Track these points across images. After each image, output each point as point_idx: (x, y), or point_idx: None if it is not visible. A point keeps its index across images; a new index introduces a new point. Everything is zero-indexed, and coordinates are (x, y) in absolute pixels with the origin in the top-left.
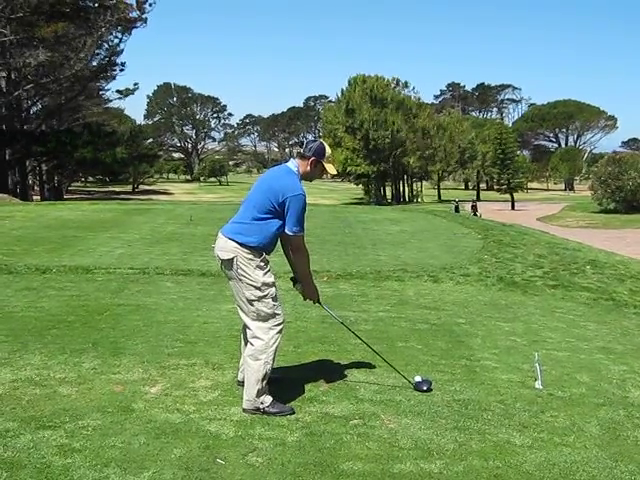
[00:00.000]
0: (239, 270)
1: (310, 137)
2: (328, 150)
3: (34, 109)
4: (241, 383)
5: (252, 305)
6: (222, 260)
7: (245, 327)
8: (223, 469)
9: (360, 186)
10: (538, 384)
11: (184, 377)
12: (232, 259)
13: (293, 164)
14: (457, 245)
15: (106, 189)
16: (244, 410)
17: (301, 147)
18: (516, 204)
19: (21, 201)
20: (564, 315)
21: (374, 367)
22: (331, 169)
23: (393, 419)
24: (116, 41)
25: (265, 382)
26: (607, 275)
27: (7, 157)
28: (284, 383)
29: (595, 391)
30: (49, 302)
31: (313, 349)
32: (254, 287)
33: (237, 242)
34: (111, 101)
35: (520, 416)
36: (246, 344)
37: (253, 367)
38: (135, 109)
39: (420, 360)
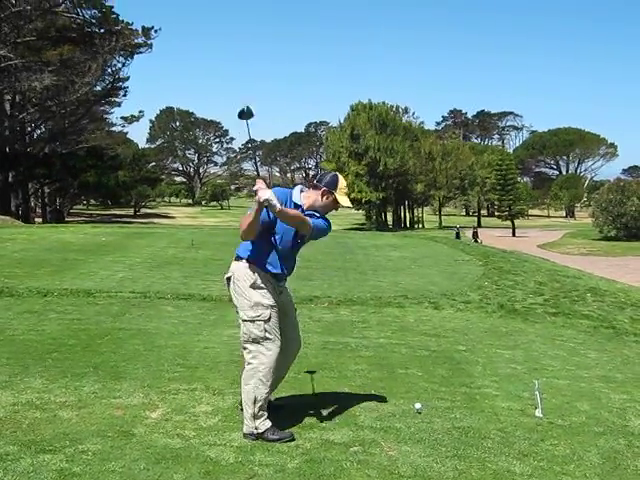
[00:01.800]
0: (235, 286)
1: (312, 162)
2: (342, 182)
3: (38, 132)
4: (241, 408)
5: (244, 325)
6: (227, 279)
7: None
8: None
9: (361, 211)
10: (538, 412)
11: (185, 402)
12: (231, 276)
13: (297, 192)
14: (458, 272)
15: (108, 212)
16: (244, 435)
17: (315, 178)
18: (517, 231)
19: (23, 223)
20: (564, 343)
21: (374, 394)
22: (344, 201)
23: (393, 446)
24: (119, 66)
25: (258, 406)
26: (607, 303)
27: (10, 179)
28: (284, 409)
29: (595, 420)
30: (50, 325)
31: (313, 375)
32: (247, 306)
33: (236, 257)
34: (115, 125)
35: (520, 444)
36: None
37: (244, 390)
38: (138, 133)
39: (420, 387)
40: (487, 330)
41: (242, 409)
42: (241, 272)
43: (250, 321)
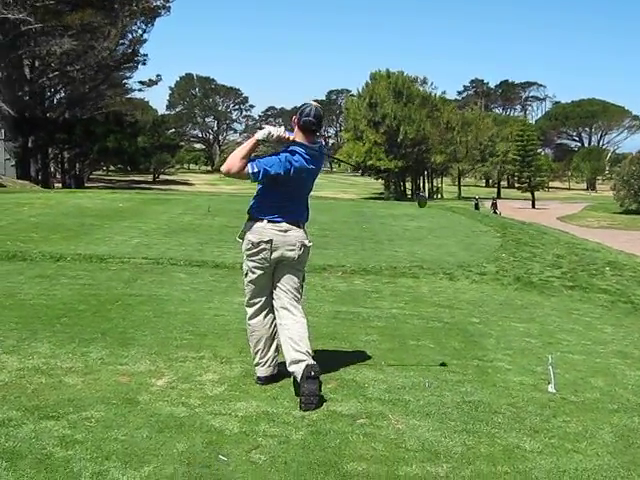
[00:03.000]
0: (305, 252)
1: (332, 130)
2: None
3: (57, 97)
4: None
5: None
6: (303, 245)
7: None
8: (225, 466)
9: (380, 181)
10: (551, 387)
11: (191, 370)
12: (303, 242)
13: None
14: (475, 243)
15: (127, 178)
16: None
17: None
18: (537, 203)
19: (42, 188)
20: (581, 317)
21: (385, 365)
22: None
23: (401, 419)
24: (140, 32)
25: (253, 350)
26: (626, 277)
27: (30, 144)
28: (292, 379)
29: (610, 396)
30: (61, 290)
31: (323, 345)
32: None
33: (300, 223)
34: (134, 91)
35: (531, 420)
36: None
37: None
38: (158, 99)
39: (431, 359)
40: (502, 303)
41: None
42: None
43: (244, 274)
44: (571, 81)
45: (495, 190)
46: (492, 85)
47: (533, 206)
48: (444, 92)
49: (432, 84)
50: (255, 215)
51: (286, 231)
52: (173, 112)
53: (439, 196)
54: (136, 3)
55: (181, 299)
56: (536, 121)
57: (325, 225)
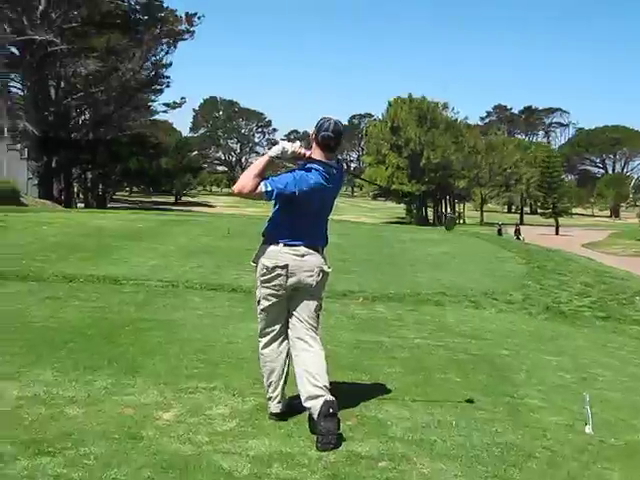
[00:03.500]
0: (324, 278)
1: (354, 155)
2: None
3: (82, 118)
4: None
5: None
6: (321, 272)
7: None
8: None
9: (402, 205)
10: (588, 429)
11: (201, 402)
12: (322, 268)
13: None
14: (500, 270)
15: (149, 199)
16: None
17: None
18: (560, 229)
19: (64, 208)
20: (616, 351)
21: (409, 401)
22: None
23: (426, 463)
24: (163, 54)
25: (266, 383)
26: None
27: (53, 164)
28: (308, 415)
29: None
30: (71, 313)
31: (343, 377)
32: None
33: (319, 247)
34: (158, 113)
35: (569, 466)
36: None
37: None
38: (181, 122)
39: (458, 395)
40: (531, 333)
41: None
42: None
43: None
44: (595, 107)
45: (518, 216)
46: (515, 111)
47: (557, 232)
48: (466, 117)
49: (454, 109)
50: (270, 238)
51: (303, 255)
52: (197, 134)
53: (461, 221)
54: (160, 26)
55: (195, 324)
56: (559, 147)
57: (345, 249)
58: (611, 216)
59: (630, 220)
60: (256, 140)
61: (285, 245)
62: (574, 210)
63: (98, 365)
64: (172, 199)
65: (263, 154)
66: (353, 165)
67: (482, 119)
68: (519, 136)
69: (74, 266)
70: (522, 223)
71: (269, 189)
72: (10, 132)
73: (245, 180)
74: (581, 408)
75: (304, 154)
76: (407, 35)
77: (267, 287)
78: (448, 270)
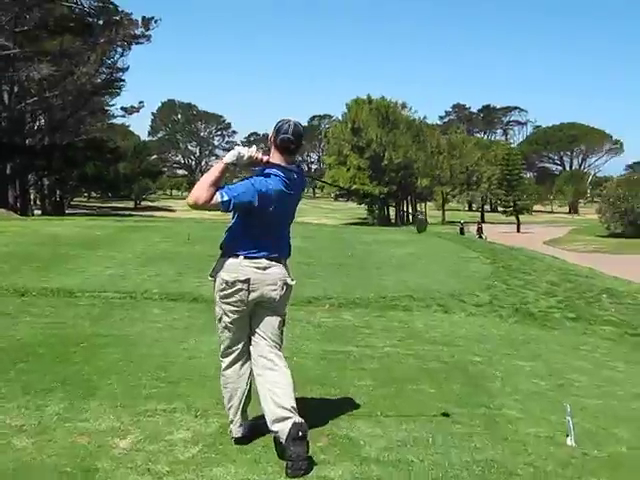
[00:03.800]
0: (288, 291)
1: (314, 156)
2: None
3: (37, 123)
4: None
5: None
6: (285, 284)
7: None
8: None
9: (363, 206)
10: (570, 440)
11: (161, 426)
12: (286, 280)
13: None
14: (465, 270)
15: (108, 205)
16: None
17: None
18: (521, 227)
19: (19, 216)
20: (589, 353)
21: (381, 416)
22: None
23: None
24: (118, 57)
25: (227, 406)
26: (626, 305)
27: (8, 171)
28: (275, 439)
29: (638, 450)
30: (21, 330)
31: (311, 392)
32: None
33: (281, 259)
34: (115, 117)
35: None
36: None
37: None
38: (139, 125)
39: (433, 407)
40: (503, 338)
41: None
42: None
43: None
44: (552, 105)
45: (478, 214)
46: (474, 110)
47: (518, 230)
48: (424, 117)
49: (411, 108)
50: (229, 250)
51: (265, 268)
52: (155, 138)
53: None
54: (116, 30)
55: (154, 339)
56: (518, 145)
57: (309, 252)
58: (570, 212)
59: (589, 216)
60: (215, 143)
61: (245, 257)
62: (534, 207)
63: (50, 388)
64: (132, 204)
65: (222, 157)
66: (314, 166)
67: (441, 118)
68: (478, 135)
69: (27, 277)
70: (483, 221)
71: (225, 199)
72: None
73: (199, 191)
74: (560, 418)
75: (261, 159)
76: (365, 35)
77: (227, 303)
78: (413, 271)
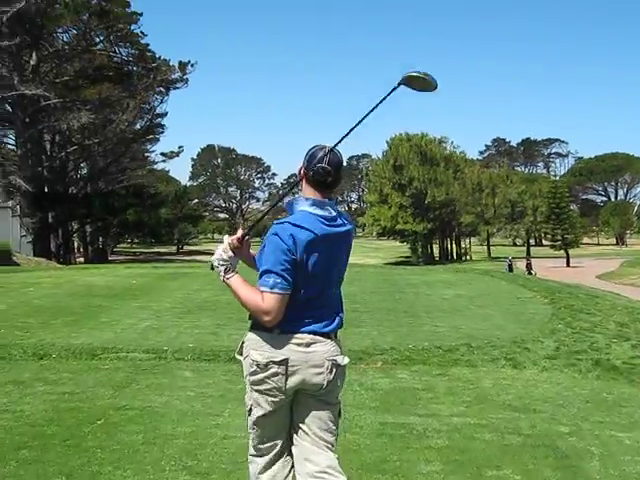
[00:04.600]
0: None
1: (354, 195)
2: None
3: (79, 172)
4: None
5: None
6: (335, 365)
7: None
8: None
9: (406, 244)
10: None
11: None
12: (340, 362)
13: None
14: (524, 312)
15: (151, 250)
16: None
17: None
18: (570, 260)
19: (58, 265)
20: None
21: None
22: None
23: None
24: (157, 103)
25: None
26: None
27: (50, 220)
28: None
29: None
30: (32, 403)
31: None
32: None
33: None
34: (156, 163)
35: None
36: None
37: None
38: (180, 171)
39: None
40: (589, 399)
41: None
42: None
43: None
44: (592, 136)
45: (524, 249)
46: (514, 143)
47: (568, 264)
48: (463, 152)
49: (452, 143)
50: (261, 323)
51: (309, 345)
52: (196, 183)
53: (468, 257)
54: (154, 76)
55: (182, 412)
56: (560, 177)
57: (355, 297)
58: (617, 244)
59: (637, 247)
60: (256, 185)
61: (282, 332)
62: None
63: None
64: (174, 248)
65: (266, 201)
66: (354, 205)
67: (481, 153)
68: (519, 168)
69: (56, 333)
70: (529, 255)
71: (276, 291)
72: (3, 189)
73: (251, 308)
74: None
75: (238, 238)
76: (399, 71)
77: (260, 391)
78: (468, 316)
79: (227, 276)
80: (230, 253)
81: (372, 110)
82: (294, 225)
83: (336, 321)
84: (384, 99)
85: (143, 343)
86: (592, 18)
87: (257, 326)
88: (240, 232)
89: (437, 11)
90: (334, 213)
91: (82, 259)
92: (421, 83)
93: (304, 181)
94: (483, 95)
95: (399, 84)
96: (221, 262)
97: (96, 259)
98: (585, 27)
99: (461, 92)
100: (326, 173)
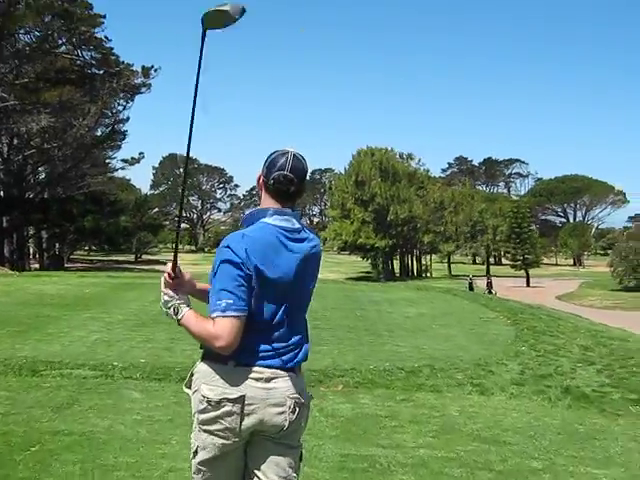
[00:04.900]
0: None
1: (316, 209)
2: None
3: (37, 177)
4: None
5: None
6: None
7: None
8: None
9: (366, 260)
10: None
11: None
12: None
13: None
14: (486, 333)
15: (109, 258)
16: None
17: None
18: (530, 280)
19: (9, 271)
20: None
21: None
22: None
23: None
24: (120, 108)
25: None
26: None
27: (4, 224)
28: None
29: None
30: None
31: None
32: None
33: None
34: (117, 170)
35: None
36: None
37: None
38: (141, 179)
39: None
40: (560, 431)
41: None
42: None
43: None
44: (552, 157)
45: (484, 267)
46: (476, 162)
47: (528, 284)
48: (427, 170)
49: (420, 161)
50: (214, 352)
51: (269, 380)
52: (157, 192)
53: (428, 274)
54: (117, 80)
55: (126, 439)
56: (520, 197)
57: (316, 313)
58: (575, 264)
59: (594, 268)
60: (218, 196)
61: (238, 364)
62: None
63: None
64: (132, 257)
65: (227, 212)
66: (316, 219)
67: (444, 171)
68: (480, 187)
69: (2, 344)
70: (489, 274)
71: (232, 312)
72: None
73: (204, 336)
74: None
75: (169, 273)
76: (365, 86)
77: (209, 431)
78: (430, 336)
79: (179, 317)
80: (170, 292)
81: (198, 77)
82: (250, 236)
83: (301, 353)
84: (201, 56)
85: (91, 357)
86: (555, 37)
87: (209, 356)
88: (169, 266)
89: (405, 26)
90: (297, 225)
91: (37, 265)
92: (223, 18)
93: (263, 190)
94: (446, 112)
95: (204, 31)
96: (167, 305)
97: (52, 266)
98: (547, 46)
99: (424, 109)
100: (288, 182)
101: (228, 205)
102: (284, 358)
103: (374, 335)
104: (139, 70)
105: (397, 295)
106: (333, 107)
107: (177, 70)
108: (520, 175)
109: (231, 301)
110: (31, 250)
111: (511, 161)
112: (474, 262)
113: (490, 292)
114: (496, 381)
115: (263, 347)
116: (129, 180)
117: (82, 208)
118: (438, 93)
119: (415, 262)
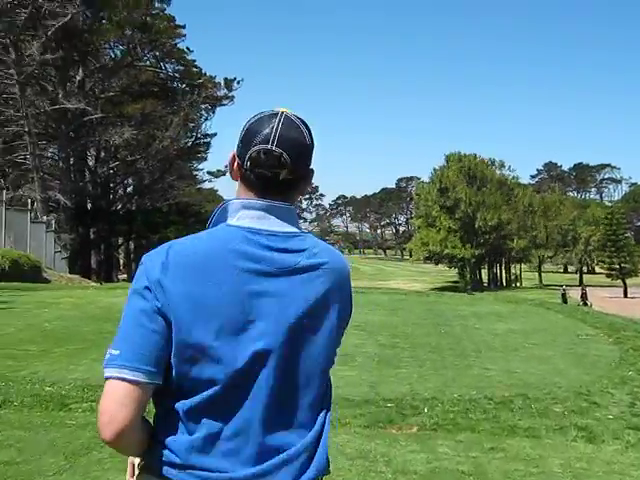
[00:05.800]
0: None
1: (402, 218)
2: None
3: (125, 189)
4: None
5: None
6: None
7: None
8: None
9: (453, 269)
10: None
11: None
12: None
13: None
14: (586, 354)
15: None
16: None
17: None
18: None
19: (93, 282)
20: None
21: None
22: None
23: None
24: (202, 120)
25: None
26: None
27: (92, 236)
28: None
29: None
30: None
31: None
32: None
33: None
34: (203, 182)
35: None
36: None
37: None
38: (229, 189)
39: None
40: None
41: None
42: None
43: None
44: None
45: (576, 276)
46: (565, 168)
47: (625, 295)
48: (515, 177)
49: (510, 167)
50: (158, 462)
51: None
52: None
53: (518, 284)
54: (198, 92)
55: None
56: (614, 203)
57: (395, 329)
58: None
59: None
60: (303, 206)
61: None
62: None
63: None
64: None
65: (313, 222)
66: (402, 229)
67: (533, 177)
68: (571, 194)
69: (55, 365)
70: (582, 284)
71: (113, 369)
72: (40, 204)
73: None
74: None
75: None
76: (453, 94)
77: None
78: (522, 357)
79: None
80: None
81: None
82: (181, 246)
83: (298, 462)
84: None
85: None
86: None
87: (151, 467)
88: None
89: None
90: (288, 228)
91: (125, 276)
92: None
93: (239, 179)
94: (535, 119)
95: None
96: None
97: None
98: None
99: (512, 116)
100: (274, 161)
101: (314, 215)
102: (262, 465)
103: (460, 356)
104: (222, 82)
105: (485, 308)
106: (421, 116)
107: (258, 77)
108: (613, 180)
109: (117, 352)
110: (121, 261)
111: (602, 166)
112: (565, 271)
113: (585, 304)
114: (605, 422)
115: (232, 447)
116: (217, 191)
117: (166, 219)
118: (526, 99)
119: (504, 271)
